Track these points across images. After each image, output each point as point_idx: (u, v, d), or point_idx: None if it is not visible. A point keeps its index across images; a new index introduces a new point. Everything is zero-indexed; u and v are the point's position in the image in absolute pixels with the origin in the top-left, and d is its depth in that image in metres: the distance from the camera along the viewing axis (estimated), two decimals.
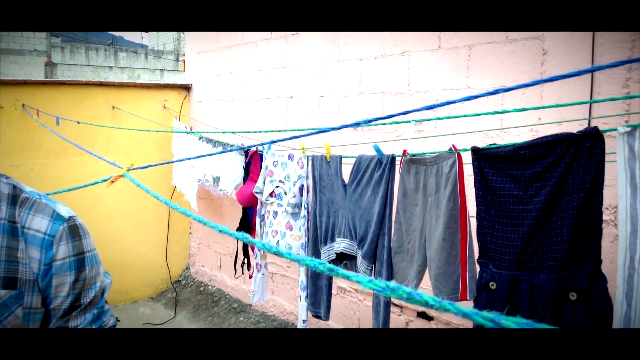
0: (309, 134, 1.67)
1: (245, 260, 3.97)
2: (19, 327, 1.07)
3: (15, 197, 1.12)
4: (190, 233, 6.06)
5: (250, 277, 3.86)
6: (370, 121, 1.33)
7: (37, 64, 20.75)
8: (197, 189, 4.94)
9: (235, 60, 5.28)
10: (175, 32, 27.39)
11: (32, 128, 5.01)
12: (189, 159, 2.45)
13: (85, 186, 2.11)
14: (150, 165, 2.06)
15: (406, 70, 3.72)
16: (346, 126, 1.42)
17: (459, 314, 0.58)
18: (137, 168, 1.92)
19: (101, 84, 5.51)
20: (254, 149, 3.78)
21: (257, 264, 3.57)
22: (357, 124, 1.38)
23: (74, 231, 1.15)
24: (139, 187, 1.76)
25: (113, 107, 5.45)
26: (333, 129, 1.46)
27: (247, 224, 3.86)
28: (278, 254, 0.97)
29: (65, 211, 1.16)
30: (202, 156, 2.41)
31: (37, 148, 5.12)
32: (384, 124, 2.19)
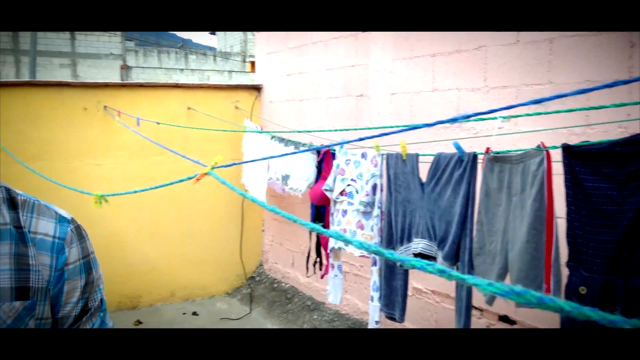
0: (400, 131, 1.65)
1: (318, 259, 3.98)
2: None
3: (12, 200, 1.02)
4: (263, 230, 6.16)
5: (322, 277, 3.88)
6: (468, 116, 1.30)
7: (113, 67, 21.76)
8: (266, 187, 5.02)
9: (305, 59, 5.31)
10: (242, 34, 27.96)
11: (115, 129, 5.24)
12: (273, 157, 2.49)
13: (172, 184, 2.19)
14: (235, 164, 2.11)
15: (483, 65, 3.62)
16: (442, 122, 1.39)
17: (604, 322, 0.53)
18: (222, 166, 1.97)
19: (177, 86, 5.70)
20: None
21: (330, 264, 3.58)
22: (454, 120, 1.34)
23: (79, 233, 1.09)
24: (225, 184, 1.80)
25: (188, 108, 5.62)
26: (428, 125, 1.43)
27: (319, 222, 3.89)
28: (347, 241, 0.96)
29: (64, 212, 1.09)
30: (283, 155, 2.44)
31: (119, 148, 5.36)
32: (482, 119, 2.12)
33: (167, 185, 2.24)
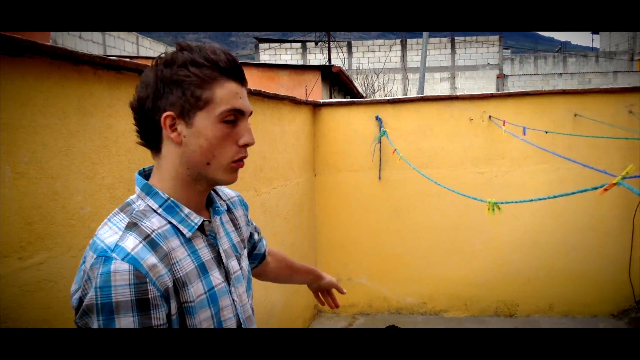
0: None
1: None
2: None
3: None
4: None
5: None
6: None
7: (490, 77, 22.28)
8: None
9: None
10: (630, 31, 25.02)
11: (497, 138, 5.39)
12: None
13: (575, 193, 2.16)
14: None
15: None
16: None
17: None
18: (634, 177, 1.84)
19: (564, 92, 5.49)
20: None
21: None
22: None
23: None
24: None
25: (575, 115, 5.37)
26: None
27: None
28: None
29: None
30: None
31: (501, 157, 5.48)
32: None
33: (569, 194, 2.20)
